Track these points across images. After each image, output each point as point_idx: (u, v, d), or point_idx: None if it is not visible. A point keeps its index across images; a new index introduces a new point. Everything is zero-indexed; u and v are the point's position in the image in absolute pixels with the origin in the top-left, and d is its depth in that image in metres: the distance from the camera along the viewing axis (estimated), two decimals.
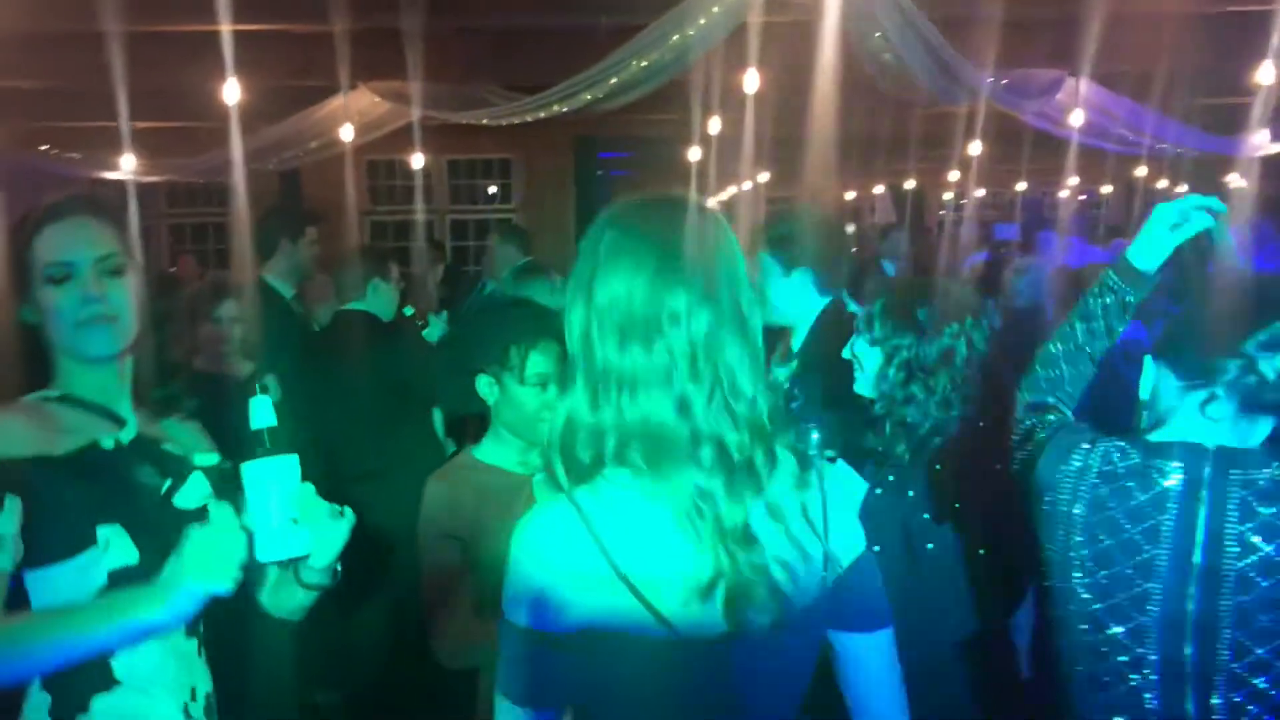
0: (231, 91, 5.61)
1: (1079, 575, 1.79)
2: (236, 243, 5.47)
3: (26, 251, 1.76)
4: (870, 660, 1.51)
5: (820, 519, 1.44)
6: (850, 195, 13.84)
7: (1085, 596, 1.79)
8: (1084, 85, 6.52)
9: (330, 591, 4.27)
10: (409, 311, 5.18)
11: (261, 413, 1.65)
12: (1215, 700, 1.70)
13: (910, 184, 12.13)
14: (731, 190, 11.33)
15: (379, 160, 11.26)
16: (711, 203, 9.29)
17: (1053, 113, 6.95)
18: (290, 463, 1.64)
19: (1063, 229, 6.71)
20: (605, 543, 1.35)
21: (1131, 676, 1.76)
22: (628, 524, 1.37)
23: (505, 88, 6.91)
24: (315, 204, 10.08)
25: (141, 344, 1.86)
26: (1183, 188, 11.56)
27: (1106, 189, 12.30)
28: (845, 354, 2.50)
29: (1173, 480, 1.74)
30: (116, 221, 1.85)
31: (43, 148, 8.91)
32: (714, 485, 1.35)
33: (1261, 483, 1.70)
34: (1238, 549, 1.68)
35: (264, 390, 1.68)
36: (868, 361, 2.45)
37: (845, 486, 1.57)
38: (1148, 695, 1.75)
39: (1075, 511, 1.80)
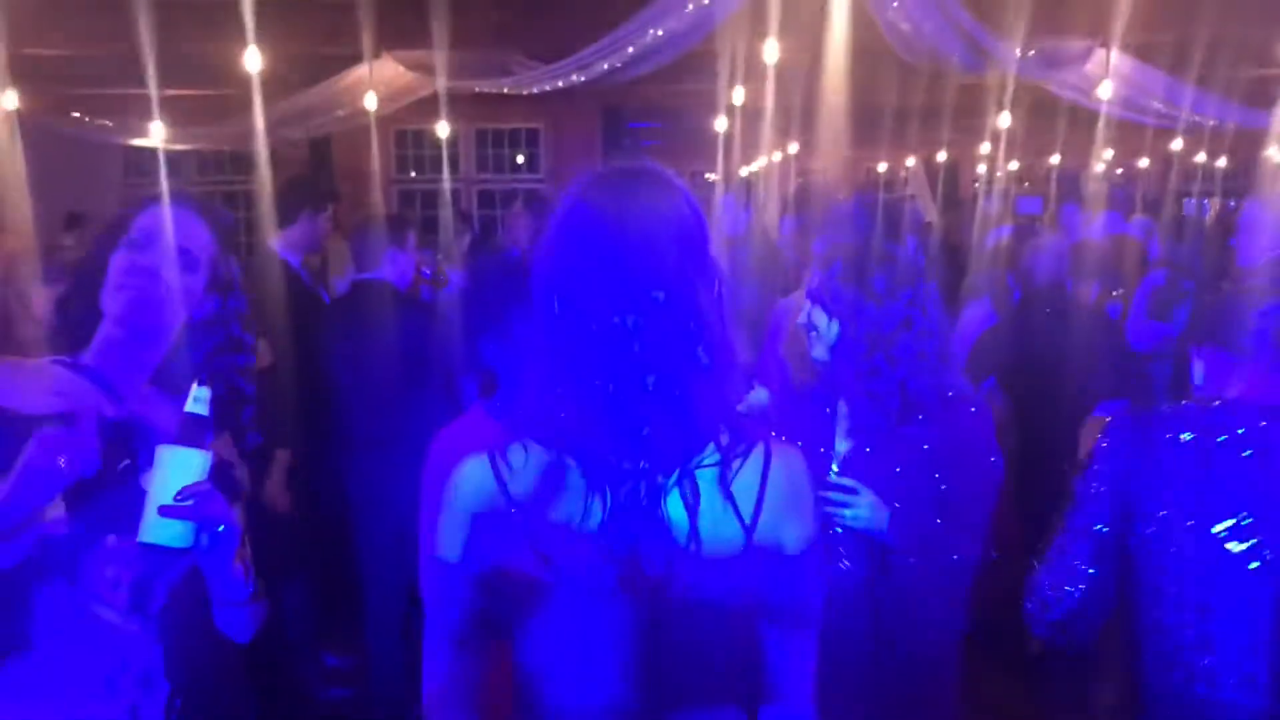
0: (254, 59, 5.61)
1: (1191, 535, 1.81)
2: (264, 211, 5.49)
3: (128, 220, 1.84)
4: (788, 656, 1.53)
5: (752, 503, 1.44)
6: (882, 167, 13.71)
7: (1193, 552, 1.81)
8: (1115, 56, 6.40)
9: (343, 557, 4.32)
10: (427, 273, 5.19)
11: (196, 401, 1.69)
12: None
13: (942, 156, 11.98)
14: (761, 161, 11.27)
15: (407, 129, 11.29)
16: (744, 173, 9.26)
17: (1082, 84, 6.82)
18: (195, 458, 1.68)
19: (1092, 203, 6.59)
20: (515, 495, 1.42)
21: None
22: (540, 480, 1.41)
23: (529, 56, 6.90)
24: (344, 172, 10.15)
25: (181, 343, 1.90)
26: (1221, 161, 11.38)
27: (1144, 162, 12.07)
28: (800, 321, 2.49)
29: (1276, 435, 1.80)
30: (219, 236, 1.92)
31: (74, 114, 8.98)
32: (625, 455, 1.38)
33: None
34: None
35: (203, 383, 1.72)
36: (824, 329, 2.43)
37: (801, 480, 1.51)
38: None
39: (1182, 472, 1.83)
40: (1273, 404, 1.84)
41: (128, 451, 1.76)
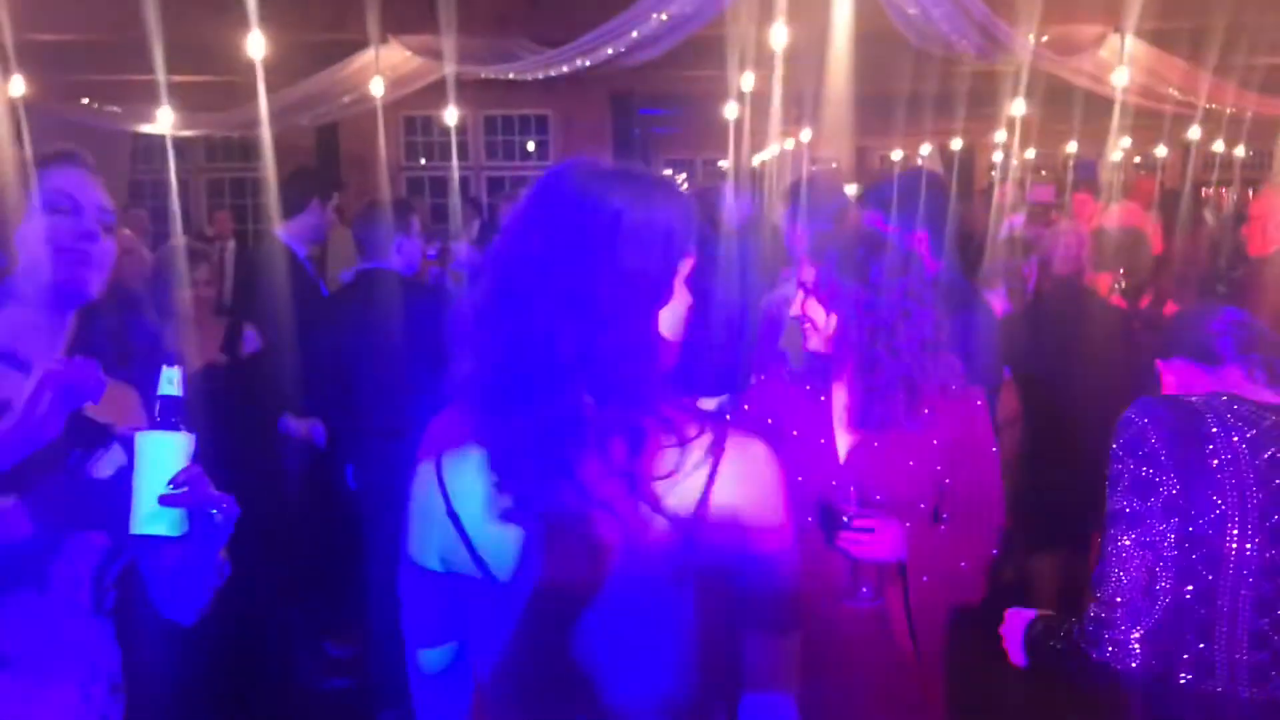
0: (258, 45, 5.57)
1: (1243, 530, 1.80)
2: (269, 198, 5.47)
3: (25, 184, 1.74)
4: (760, 665, 1.48)
5: (701, 492, 1.38)
6: (897, 154, 13.61)
7: (1254, 545, 1.80)
8: (1130, 42, 6.31)
9: (347, 546, 4.29)
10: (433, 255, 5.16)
11: (167, 383, 1.63)
12: None
13: (957, 144, 11.89)
14: (774, 149, 11.19)
15: (415, 116, 11.25)
16: (756, 161, 9.20)
17: (1096, 71, 6.73)
18: (177, 442, 1.60)
19: (1105, 191, 6.53)
20: (452, 499, 1.42)
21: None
22: (474, 481, 1.41)
23: (536, 42, 6.83)
24: (351, 159, 10.12)
25: (101, 310, 1.85)
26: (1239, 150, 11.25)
27: (1161, 151, 11.94)
28: (793, 314, 2.39)
29: None
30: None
31: (82, 100, 8.98)
32: (542, 461, 1.36)
33: None
34: None
35: (173, 363, 1.65)
36: (820, 321, 2.32)
37: (759, 472, 1.45)
38: None
39: (1239, 462, 1.80)
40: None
41: (77, 441, 1.70)
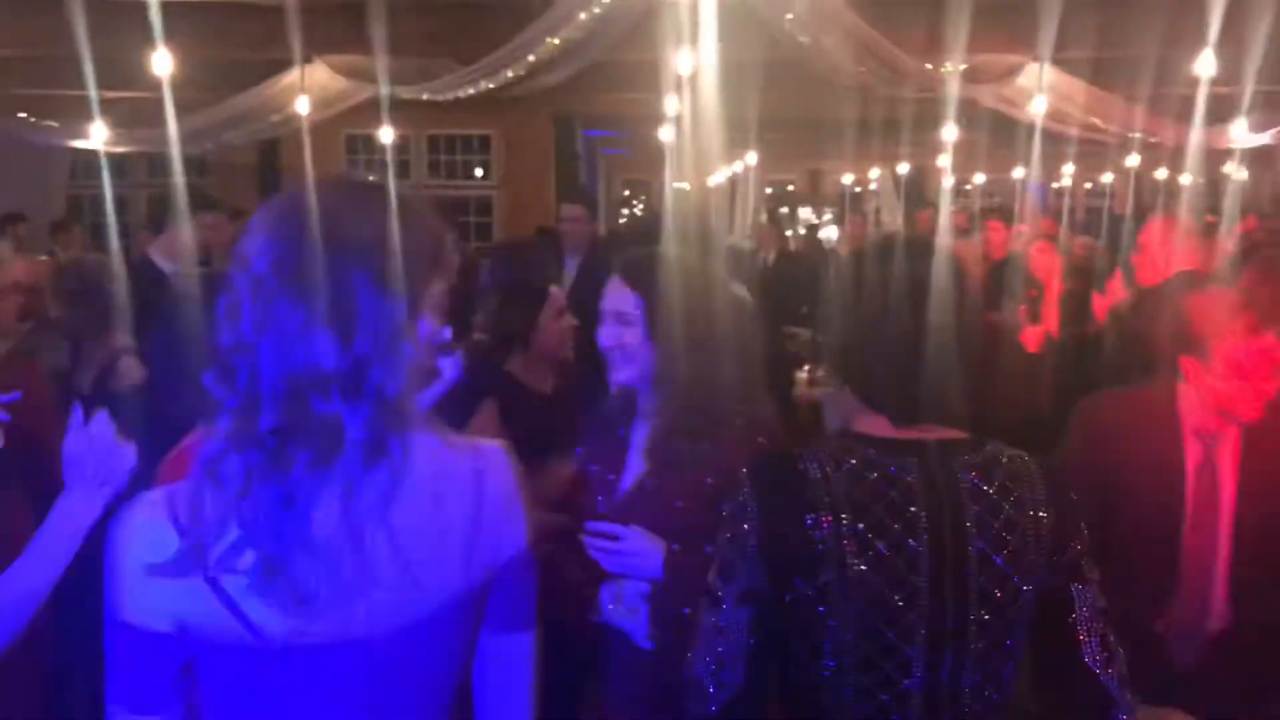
0: (164, 63, 5.54)
1: (856, 590, 1.57)
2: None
3: None
4: (507, 662, 1.49)
5: (469, 518, 1.34)
6: (849, 178, 13.69)
7: (858, 610, 1.58)
8: (1048, 71, 6.35)
9: None
10: None
11: None
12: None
13: (904, 167, 11.98)
14: (725, 172, 11.20)
15: (358, 134, 11.21)
16: (711, 183, 9.22)
17: (1013, 99, 6.78)
18: None
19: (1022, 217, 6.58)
20: (196, 545, 1.26)
21: (900, 680, 1.59)
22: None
23: (461, 63, 6.81)
24: (293, 176, 10.08)
25: None
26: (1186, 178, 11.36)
27: (1107, 178, 12.06)
28: (605, 344, 2.30)
29: (913, 475, 1.60)
30: None
31: (20, 115, 8.95)
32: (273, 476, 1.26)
33: (983, 468, 1.61)
34: (976, 534, 1.58)
35: None
36: (632, 350, 2.25)
37: (509, 486, 1.42)
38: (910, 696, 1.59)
39: (844, 523, 1.57)
40: (899, 440, 1.62)
41: None
